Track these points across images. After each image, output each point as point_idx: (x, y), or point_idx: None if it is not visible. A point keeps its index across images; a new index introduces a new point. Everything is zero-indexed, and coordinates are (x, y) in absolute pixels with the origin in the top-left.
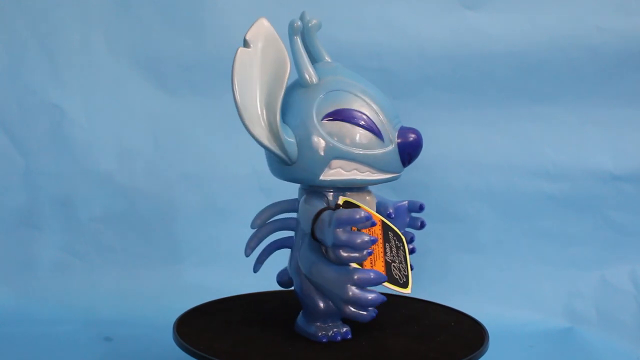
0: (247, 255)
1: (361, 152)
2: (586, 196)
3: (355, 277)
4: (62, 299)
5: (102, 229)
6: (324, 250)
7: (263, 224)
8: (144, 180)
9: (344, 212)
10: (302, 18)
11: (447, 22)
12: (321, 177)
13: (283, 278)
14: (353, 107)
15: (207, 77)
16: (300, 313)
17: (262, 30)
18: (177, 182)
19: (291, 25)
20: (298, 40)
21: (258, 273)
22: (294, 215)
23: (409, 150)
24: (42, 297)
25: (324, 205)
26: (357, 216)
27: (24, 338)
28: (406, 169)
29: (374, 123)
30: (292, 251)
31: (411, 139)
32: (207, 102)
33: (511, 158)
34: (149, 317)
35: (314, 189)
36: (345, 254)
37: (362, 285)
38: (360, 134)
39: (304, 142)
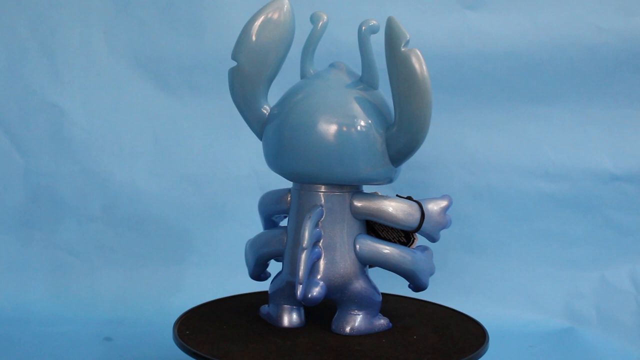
0: (311, 295)
1: None
2: (586, 196)
3: (430, 250)
4: (62, 299)
5: (102, 229)
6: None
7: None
8: (144, 180)
9: (448, 199)
10: (312, 19)
11: (447, 22)
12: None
13: (321, 293)
14: None
15: (207, 77)
16: (348, 317)
17: None
18: (177, 182)
19: (371, 24)
20: None
21: None
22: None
23: None
24: (42, 297)
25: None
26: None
27: (24, 338)
28: (406, 168)
29: None
30: (330, 259)
31: None
32: (207, 102)
33: (511, 158)
34: (149, 317)
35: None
36: (439, 234)
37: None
38: None
39: None
